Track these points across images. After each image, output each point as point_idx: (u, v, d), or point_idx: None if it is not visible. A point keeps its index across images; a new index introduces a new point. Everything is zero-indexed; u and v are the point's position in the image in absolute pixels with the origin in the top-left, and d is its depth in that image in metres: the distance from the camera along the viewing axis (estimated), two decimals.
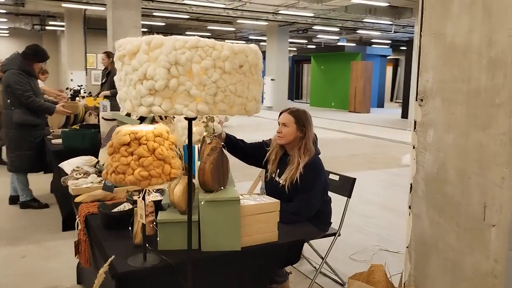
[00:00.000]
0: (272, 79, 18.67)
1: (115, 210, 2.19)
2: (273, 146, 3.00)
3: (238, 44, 1.46)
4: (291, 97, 27.46)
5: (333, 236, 3.17)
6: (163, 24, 18.34)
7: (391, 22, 16.05)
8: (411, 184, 2.51)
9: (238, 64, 1.45)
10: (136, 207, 1.98)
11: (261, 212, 1.97)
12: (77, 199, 2.56)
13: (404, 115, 15.80)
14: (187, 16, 16.00)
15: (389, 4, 13.49)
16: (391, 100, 26.67)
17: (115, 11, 9.42)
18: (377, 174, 7.29)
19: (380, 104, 22.19)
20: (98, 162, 3.36)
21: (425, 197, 2.42)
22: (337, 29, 18.72)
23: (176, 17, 16.14)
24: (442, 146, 2.30)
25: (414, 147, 2.47)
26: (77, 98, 6.92)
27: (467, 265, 2.11)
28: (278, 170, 2.92)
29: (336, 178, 3.34)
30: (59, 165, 3.45)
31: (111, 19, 9.49)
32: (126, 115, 2.92)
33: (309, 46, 26.32)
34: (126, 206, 2.19)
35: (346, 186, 3.27)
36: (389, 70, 25.80)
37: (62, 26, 17.09)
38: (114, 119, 4.19)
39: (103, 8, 13.08)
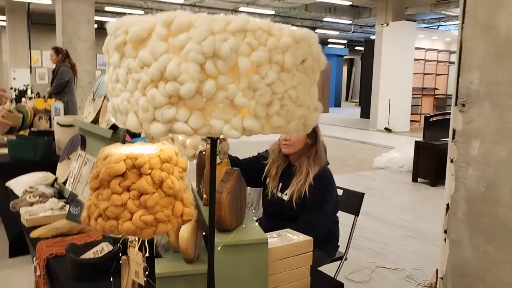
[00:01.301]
0: None
1: (89, 253, 1.64)
2: (272, 158, 2.53)
3: (297, 28, 0.97)
4: None
5: (340, 261, 2.75)
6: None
7: (350, 22, 15.95)
8: (447, 205, 2.11)
9: (300, 58, 0.97)
10: (123, 254, 1.45)
11: (293, 255, 1.50)
12: (33, 234, 1.98)
13: (364, 115, 15.74)
14: (141, 12, 15.17)
15: (351, 4, 13.33)
16: (346, 99, 26.82)
17: (65, 3, 8.58)
18: (351, 178, 6.96)
19: (337, 104, 22.21)
20: (56, 180, 2.76)
21: (468, 221, 2.02)
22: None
23: (130, 13, 15.27)
24: (492, 161, 1.91)
25: (452, 161, 2.07)
26: (23, 100, 6.13)
27: None
28: (281, 184, 2.46)
29: (340, 192, 2.91)
30: (6, 184, 2.82)
31: (60, 12, 8.65)
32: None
33: None
34: (105, 247, 1.65)
35: (352, 202, 2.86)
36: (345, 69, 25.92)
37: (3, 20, 15.78)
38: (72, 125, 3.58)
39: (49, 2, 12.09)
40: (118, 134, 2.32)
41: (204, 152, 1.85)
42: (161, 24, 0.89)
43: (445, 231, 2.12)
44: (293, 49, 0.94)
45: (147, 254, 1.22)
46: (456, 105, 2.04)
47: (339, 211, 2.81)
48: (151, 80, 0.90)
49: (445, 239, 2.13)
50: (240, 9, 14.07)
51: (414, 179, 6.75)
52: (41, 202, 2.33)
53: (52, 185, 2.69)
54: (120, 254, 1.60)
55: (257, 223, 1.51)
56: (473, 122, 1.97)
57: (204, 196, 1.66)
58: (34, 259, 1.87)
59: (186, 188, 1.20)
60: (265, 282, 1.41)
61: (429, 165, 6.49)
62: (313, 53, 1.00)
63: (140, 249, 1.25)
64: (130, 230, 1.08)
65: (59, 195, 2.54)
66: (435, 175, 6.46)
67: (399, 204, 5.65)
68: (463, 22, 1.98)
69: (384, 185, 6.56)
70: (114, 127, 2.36)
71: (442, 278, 2.18)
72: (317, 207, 2.33)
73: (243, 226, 1.44)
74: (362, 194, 2.83)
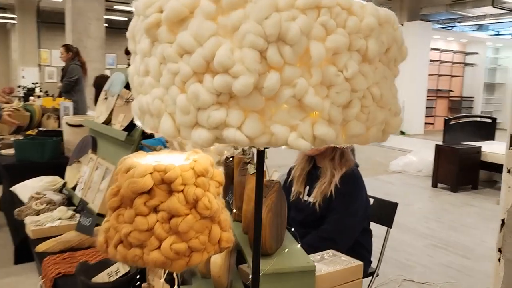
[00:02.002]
0: None
1: (103, 275, 1.43)
2: (298, 160, 2.32)
3: (374, 6, 0.75)
4: None
5: (371, 277, 2.52)
6: (125, 19, 17.20)
7: None
8: (503, 220, 1.87)
9: (385, 45, 0.75)
10: (141, 277, 1.24)
11: (342, 283, 1.28)
12: (39, 248, 1.77)
13: None
14: None
15: None
16: None
17: (75, 2, 8.41)
18: (368, 182, 6.69)
19: None
20: (65, 184, 2.55)
21: None
22: None
23: None
24: None
25: (509, 171, 1.83)
26: (32, 98, 5.95)
27: None
28: (308, 187, 2.25)
29: (371, 202, 2.68)
30: (10, 189, 2.61)
31: (70, 10, 8.47)
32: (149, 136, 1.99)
33: None
34: (120, 268, 1.43)
35: (385, 212, 2.62)
36: None
37: (13, 18, 15.66)
38: (82, 125, 3.37)
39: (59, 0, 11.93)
40: (133, 137, 2.10)
41: (231, 159, 1.63)
42: None
43: (500, 250, 1.88)
44: (377, 33, 0.71)
45: (176, 287, 1.01)
46: None
47: (371, 223, 2.59)
48: (193, 72, 0.68)
49: (499, 259, 1.90)
50: None
51: (434, 184, 6.48)
52: (48, 210, 2.13)
53: (60, 190, 2.48)
54: (138, 277, 1.39)
55: (299, 245, 1.28)
56: None
57: (234, 210, 1.44)
58: (40, 277, 1.66)
59: (223, 207, 0.98)
60: None
61: (450, 170, 6.23)
62: (397, 40, 0.77)
63: (166, 279, 1.03)
64: (158, 262, 0.86)
65: (68, 202, 2.33)
66: (456, 180, 6.19)
67: (421, 210, 5.40)
68: None
69: (403, 190, 6.30)
70: (128, 128, 2.15)
71: None
72: (344, 207, 2.13)
73: (286, 250, 1.22)
74: (395, 204, 2.60)
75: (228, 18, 0.66)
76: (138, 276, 1.39)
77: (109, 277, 1.41)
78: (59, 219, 2.00)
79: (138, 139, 2.12)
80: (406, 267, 3.69)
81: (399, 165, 7.51)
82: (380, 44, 0.72)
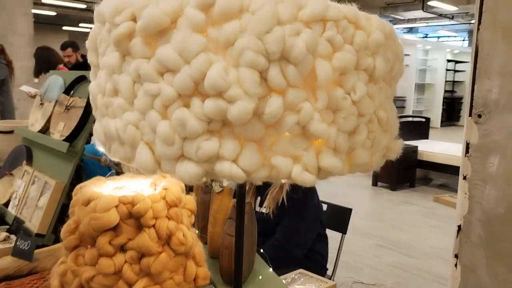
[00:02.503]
0: None
1: None
2: None
3: (379, 18, 0.68)
4: None
5: None
6: (54, 14, 16.27)
7: None
8: (459, 227, 1.89)
9: (391, 62, 0.67)
10: None
11: None
12: None
13: None
14: (83, 6, 14.28)
15: None
16: None
17: None
18: None
19: None
20: None
21: (484, 245, 1.81)
22: None
23: (71, 6, 14.32)
24: None
25: (465, 178, 1.85)
26: None
27: None
28: (259, 198, 2.18)
29: (324, 207, 2.65)
30: None
31: None
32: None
33: None
34: None
35: (339, 218, 2.61)
36: None
37: None
38: (12, 131, 3.08)
39: None
40: (76, 148, 1.92)
41: (211, 185, 1.50)
42: (194, 5, 0.56)
43: (456, 256, 1.90)
44: (384, 49, 0.64)
45: None
46: (470, 115, 1.82)
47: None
48: (178, 94, 0.57)
49: (456, 265, 1.92)
50: None
51: (374, 183, 6.66)
52: None
53: None
54: None
55: (271, 269, 1.20)
56: (492, 135, 1.75)
57: (197, 231, 1.33)
58: None
59: (196, 239, 0.86)
60: None
61: (389, 169, 6.41)
62: (399, 56, 0.70)
63: None
64: None
65: (0, 220, 2.09)
66: (395, 179, 6.39)
67: (363, 210, 5.50)
68: (479, 23, 1.77)
69: (345, 190, 6.41)
70: (70, 138, 1.95)
71: None
72: (296, 213, 2.09)
73: (260, 277, 1.12)
74: (349, 210, 2.59)
75: (220, 30, 0.56)
76: None
77: None
78: None
79: (81, 150, 1.94)
80: (355, 269, 3.73)
81: None
82: (387, 62, 0.65)
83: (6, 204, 2.17)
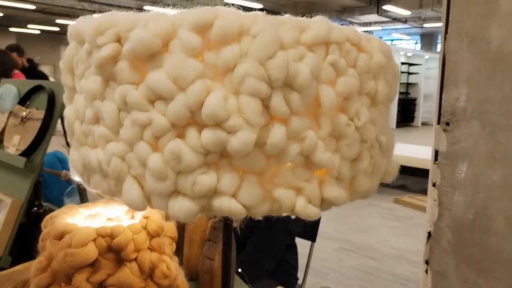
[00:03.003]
0: None
1: None
2: None
3: (377, 39, 0.65)
4: None
5: None
6: (1, 15, 15.55)
7: None
8: (429, 233, 1.91)
9: (391, 85, 0.65)
10: None
11: None
12: None
13: None
14: (33, 7, 13.73)
15: (262, 8, 13.23)
16: None
17: None
18: None
19: None
20: None
21: (453, 251, 1.83)
22: None
23: (19, 7, 13.71)
24: (482, 185, 1.73)
25: (434, 185, 1.87)
26: None
27: None
28: None
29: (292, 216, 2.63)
30: None
31: None
32: None
33: None
34: None
35: (308, 226, 2.59)
36: None
37: None
38: None
39: None
40: (34, 163, 1.80)
41: None
42: (189, 27, 0.51)
43: (427, 262, 1.92)
44: (385, 71, 0.61)
45: None
46: (439, 123, 1.85)
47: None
48: (172, 124, 0.51)
49: (426, 271, 1.94)
50: (145, 7, 13.30)
51: None
52: None
53: None
54: None
55: None
56: (460, 143, 1.78)
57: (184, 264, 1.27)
58: None
59: (179, 268, 0.81)
60: None
61: None
62: (396, 76, 0.68)
63: None
64: None
65: None
66: None
67: (327, 214, 5.49)
68: (446, 33, 1.79)
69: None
70: (26, 153, 1.83)
71: None
72: (264, 226, 2.06)
73: None
74: (318, 218, 2.58)
75: (218, 55, 0.51)
76: None
77: None
78: None
79: (39, 165, 1.83)
80: (321, 273, 3.74)
81: None
82: (387, 84, 0.62)
83: None
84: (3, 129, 2.05)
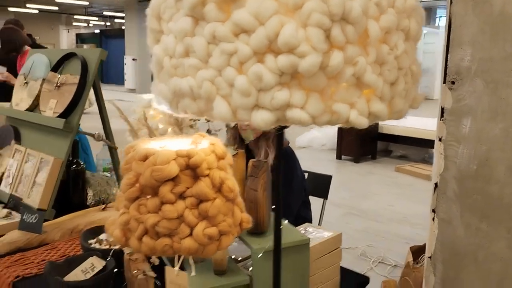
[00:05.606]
0: (133, 59, 17.23)
1: (77, 273, 1.33)
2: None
3: None
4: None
5: None
6: None
7: None
8: (436, 184, 2.07)
9: (420, 24, 0.79)
10: (118, 269, 1.18)
11: (326, 253, 1.34)
12: None
13: None
14: None
15: None
16: None
17: None
18: None
19: None
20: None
21: (458, 199, 2.00)
22: None
23: None
24: (485, 138, 1.89)
25: (440, 140, 2.03)
26: None
27: None
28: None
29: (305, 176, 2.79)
30: None
31: None
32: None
33: None
34: (95, 263, 1.34)
35: (320, 185, 2.76)
36: None
37: None
38: None
39: None
40: (71, 124, 1.95)
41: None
42: None
43: (433, 211, 2.08)
44: (416, 13, 0.75)
45: (193, 273, 0.98)
46: (445, 82, 1.99)
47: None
48: (254, 52, 0.66)
49: (433, 219, 2.10)
50: None
51: (338, 157, 6.91)
52: None
53: None
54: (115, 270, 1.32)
55: (286, 221, 1.32)
56: (464, 100, 1.93)
57: None
58: None
59: (237, 189, 0.97)
60: (306, 285, 1.24)
61: (352, 142, 6.67)
62: (422, 18, 0.82)
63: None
64: (192, 249, 0.83)
65: None
66: (358, 152, 6.66)
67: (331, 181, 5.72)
68: None
69: (312, 163, 6.62)
70: (64, 115, 1.98)
71: (430, 258, 2.16)
72: (284, 185, 2.21)
73: (281, 227, 1.24)
74: (330, 177, 2.75)
75: None
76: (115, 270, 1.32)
77: (85, 274, 1.32)
78: None
79: (76, 126, 1.98)
80: None
81: (304, 141, 7.86)
82: (417, 24, 0.76)
83: None
84: (37, 95, 2.19)
